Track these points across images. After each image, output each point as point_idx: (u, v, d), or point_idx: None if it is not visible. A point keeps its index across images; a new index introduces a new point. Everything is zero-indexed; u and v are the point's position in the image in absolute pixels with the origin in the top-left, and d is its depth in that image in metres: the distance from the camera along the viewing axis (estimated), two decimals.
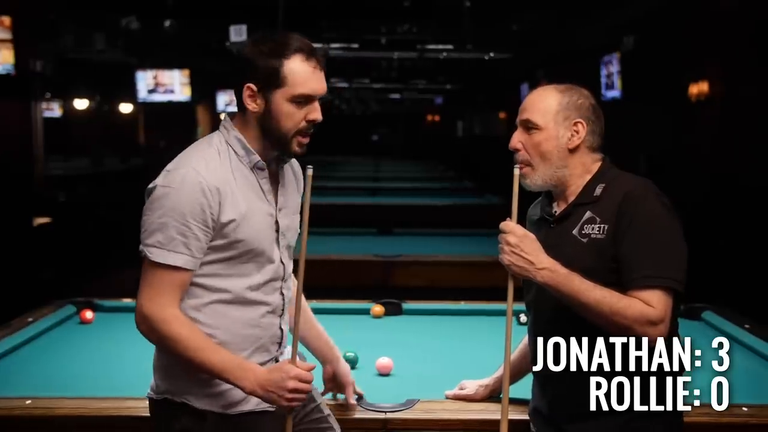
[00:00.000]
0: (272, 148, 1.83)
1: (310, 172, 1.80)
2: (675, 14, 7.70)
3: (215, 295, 1.81)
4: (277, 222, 1.85)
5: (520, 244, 1.77)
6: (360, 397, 2.16)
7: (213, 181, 1.74)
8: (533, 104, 1.90)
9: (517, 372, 2.07)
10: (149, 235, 1.75)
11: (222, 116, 1.90)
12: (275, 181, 1.87)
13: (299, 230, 1.93)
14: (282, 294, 1.89)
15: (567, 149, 1.88)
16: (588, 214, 1.84)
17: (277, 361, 1.88)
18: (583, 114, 1.89)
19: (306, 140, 1.82)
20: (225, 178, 1.77)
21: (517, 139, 1.91)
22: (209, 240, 1.76)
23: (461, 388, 2.26)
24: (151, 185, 1.77)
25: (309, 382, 1.73)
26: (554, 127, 1.87)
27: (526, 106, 1.91)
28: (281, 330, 1.91)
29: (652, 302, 1.73)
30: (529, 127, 1.89)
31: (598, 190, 1.86)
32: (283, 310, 1.90)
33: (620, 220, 1.78)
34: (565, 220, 1.88)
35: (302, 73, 1.76)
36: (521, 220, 1.87)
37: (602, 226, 1.81)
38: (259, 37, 1.81)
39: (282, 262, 1.87)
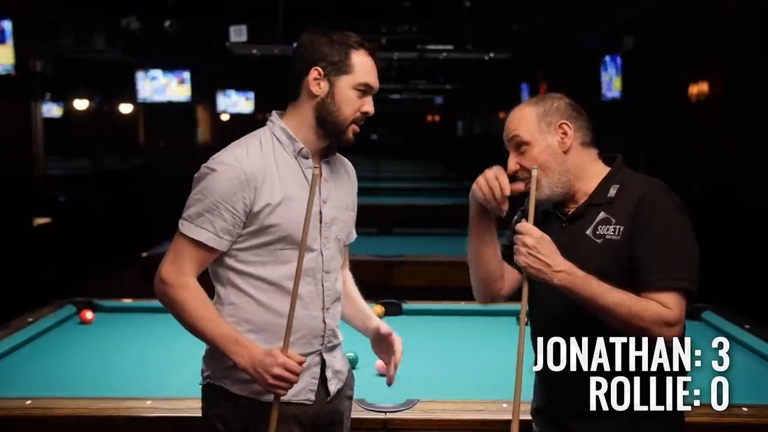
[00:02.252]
0: (325, 135, 1.90)
1: (317, 171, 1.82)
2: (675, 14, 7.69)
3: (253, 282, 1.86)
4: (320, 212, 1.90)
5: (537, 246, 1.76)
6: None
7: (250, 168, 1.83)
8: (514, 123, 1.91)
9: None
10: (185, 210, 1.86)
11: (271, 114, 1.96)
12: (320, 174, 1.92)
13: (351, 228, 2.04)
14: (323, 286, 1.91)
15: (562, 153, 1.88)
16: (602, 214, 1.84)
17: (321, 356, 1.92)
18: (564, 115, 1.89)
19: (358, 130, 1.91)
20: (264, 165, 1.85)
21: (513, 161, 1.90)
22: (239, 224, 1.83)
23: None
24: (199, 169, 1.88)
25: (295, 373, 1.75)
26: (542, 137, 1.87)
27: (509, 127, 1.91)
28: (324, 323, 1.92)
29: (669, 304, 1.73)
30: (519, 144, 1.89)
31: (612, 191, 1.85)
32: (324, 302, 1.91)
33: (636, 222, 1.78)
34: (578, 220, 1.87)
35: (367, 65, 1.89)
36: (537, 222, 1.86)
37: (618, 227, 1.80)
38: (320, 29, 1.91)
39: (322, 253, 1.90)
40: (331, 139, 1.91)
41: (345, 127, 1.88)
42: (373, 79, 1.89)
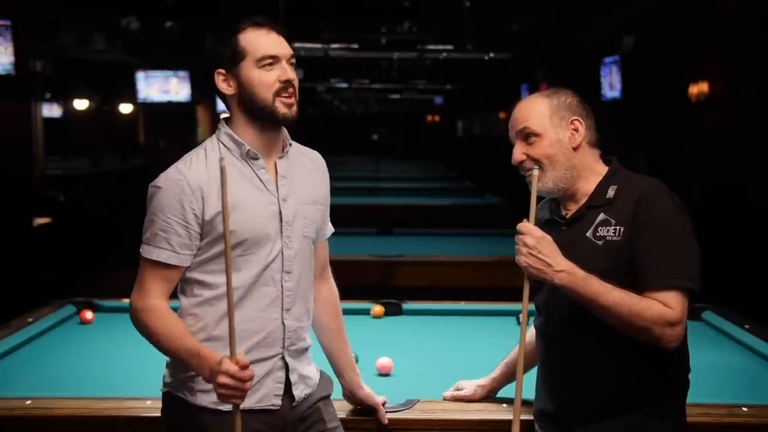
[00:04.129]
0: (263, 125, 1.85)
1: (223, 163, 1.72)
2: (675, 14, 7.70)
3: (212, 291, 1.83)
4: (280, 212, 1.86)
5: (538, 246, 1.76)
6: (384, 403, 2.16)
7: (194, 179, 1.80)
8: (525, 114, 1.90)
9: (515, 372, 2.07)
10: (143, 233, 1.85)
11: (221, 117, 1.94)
12: (276, 171, 1.89)
13: (321, 222, 1.98)
14: (282, 286, 1.86)
15: (571, 149, 1.88)
16: (602, 216, 1.83)
17: (283, 359, 1.87)
18: (576, 112, 1.89)
19: (290, 100, 1.84)
20: (210, 175, 1.81)
21: (520, 151, 1.89)
22: (196, 236, 1.81)
23: (457, 389, 2.26)
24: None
25: (241, 379, 1.68)
26: (553, 131, 1.87)
27: (518, 117, 1.91)
28: (283, 325, 1.86)
29: (670, 303, 1.73)
30: (528, 135, 1.88)
31: (611, 192, 1.85)
32: (283, 303, 1.86)
33: (636, 222, 1.78)
34: (577, 223, 1.87)
35: (257, 38, 1.84)
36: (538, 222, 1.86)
37: (618, 228, 1.80)
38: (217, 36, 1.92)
39: (283, 252, 1.86)
40: (269, 124, 1.85)
41: (270, 105, 1.83)
42: (270, 49, 1.83)
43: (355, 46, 10.56)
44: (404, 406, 2.19)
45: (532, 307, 1.93)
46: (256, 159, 1.86)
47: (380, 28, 10.44)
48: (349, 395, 2.14)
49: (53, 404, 2.20)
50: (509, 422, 1.85)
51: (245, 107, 1.86)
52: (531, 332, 2.08)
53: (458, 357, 2.81)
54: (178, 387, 1.86)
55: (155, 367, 2.66)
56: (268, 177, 1.87)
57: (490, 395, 2.23)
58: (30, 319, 3.06)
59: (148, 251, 1.82)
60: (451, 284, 4.57)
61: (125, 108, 13.62)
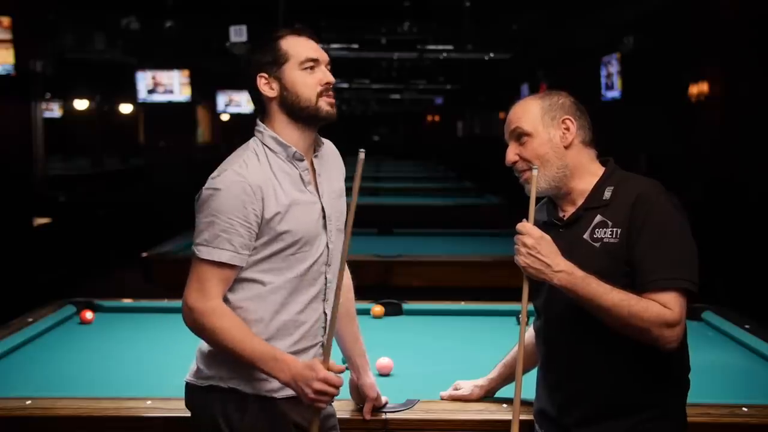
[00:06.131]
0: (305, 125, 1.93)
1: (362, 155, 1.83)
2: (675, 15, 7.70)
3: (263, 287, 1.88)
4: (323, 209, 1.93)
5: (537, 246, 1.77)
6: (385, 404, 2.17)
7: (253, 180, 1.85)
8: (517, 115, 1.92)
9: (513, 373, 2.07)
10: (198, 235, 1.86)
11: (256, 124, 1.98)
12: (313, 170, 1.96)
13: (345, 213, 2.02)
14: (326, 278, 1.94)
15: (563, 148, 1.88)
16: (599, 217, 1.83)
17: (322, 346, 1.93)
18: (568, 111, 1.90)
19: (332, 99, 1.93)
20: (265, 176, 1.87)
21: (512, 152, 1.91)
22: (255, 236, 1.85)
23: (456, 389, 2.26)
24: (199, 192, 1.89)
25: (336, 386, 1.76)
26: (544, 130, 1.88)
27: (511, 119, 1.93)
28: (324, 314, 1.95)
29: (669, 304, 1.73)
30: (520, 135, 1.90)
31: (608, 194, 1.85)
32: (325, 294, 1.94)
33: (633, 223, 1.78)
34: (574, 224, 1.87)
35: (299, 43, 1.93)
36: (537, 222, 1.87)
37: (615, 230, 1.80)
38: (249, 45, 1.93)
39: (327, 246, 1.93)
40: (312, 123, 1.93)
41: (314, 104, 1.91)
42: (312, 53, 1.92)
43: (355, 46, 10.56)
44: (404, 406, 2.19)
45: (531, 307, 1.94)
46: (302, 161, 1.93)
47: (380, 28, 10.44)
48: (355, 381, 2.15)
49: (53, 404, 2.20)
50: (509, 422, 1.85)
51: (287, 108, 1.92)
52: (530, 332, 2.08)
53: (458, 357, 2.81)
54: (226, 378, 1.88)
55: (155, 367, 2.67)
56: (309, 177, 1.94)
57: (487, 396, 2.23)
58: (30, 319, 3.06)
59: (208, 252, 1.83)
60: (451, 284, 4.57)
61: (125, 108, 13.61)
